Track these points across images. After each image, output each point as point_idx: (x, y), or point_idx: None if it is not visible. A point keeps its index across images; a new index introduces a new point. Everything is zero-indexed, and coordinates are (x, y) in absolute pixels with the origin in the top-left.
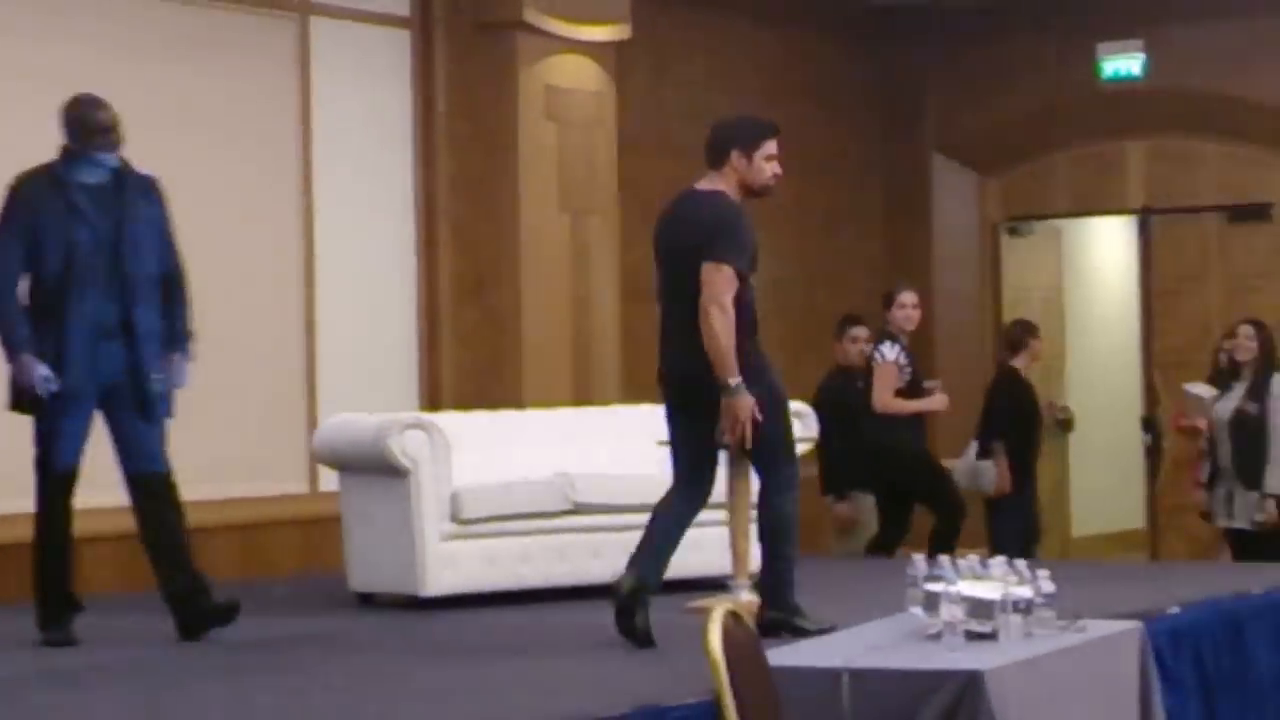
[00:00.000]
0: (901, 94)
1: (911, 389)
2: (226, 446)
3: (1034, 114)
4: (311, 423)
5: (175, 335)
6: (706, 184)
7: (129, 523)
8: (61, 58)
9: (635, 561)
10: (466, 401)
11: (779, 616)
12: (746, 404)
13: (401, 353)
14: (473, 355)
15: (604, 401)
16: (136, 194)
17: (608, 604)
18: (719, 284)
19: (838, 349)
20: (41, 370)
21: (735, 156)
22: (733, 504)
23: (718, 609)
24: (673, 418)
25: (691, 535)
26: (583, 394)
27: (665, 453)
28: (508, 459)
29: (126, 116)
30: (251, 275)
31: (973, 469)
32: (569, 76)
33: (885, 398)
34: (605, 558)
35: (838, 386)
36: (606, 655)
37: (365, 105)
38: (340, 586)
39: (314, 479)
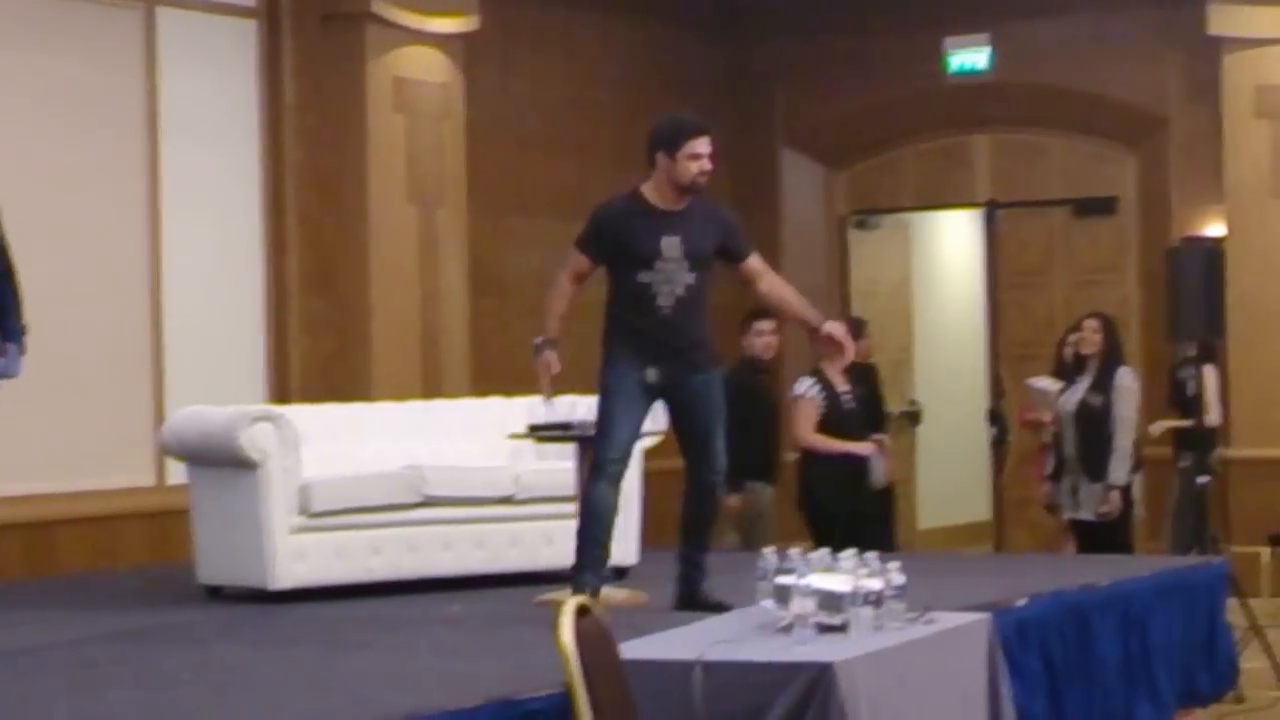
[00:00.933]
0: (751, 86)
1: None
2: (73, 439)
3: (881, 107)
4: (159, 415)
5: (6, 328)
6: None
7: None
8: None
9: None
10: (314, 394)
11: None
12: (541, 361)
13: (249, 344)
14: (321, 347)
15: (453, 394)
16: None
17: (458, 596)
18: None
19: (743, 342)
20: None
21: (660, 157)
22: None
23: (569, 602)
24: None
25: (542, 528)
26: (432, 386)
27: (515, 445)
28: (357, 451)
29: None
30: (97, 266)
31: None
32: (417, 68)
33: (804, 432)
34: (455, 550)
35: (741, 378)
36: (457, 648)
37: (212, 96)
38: (189, 579)
39: (161, 471)
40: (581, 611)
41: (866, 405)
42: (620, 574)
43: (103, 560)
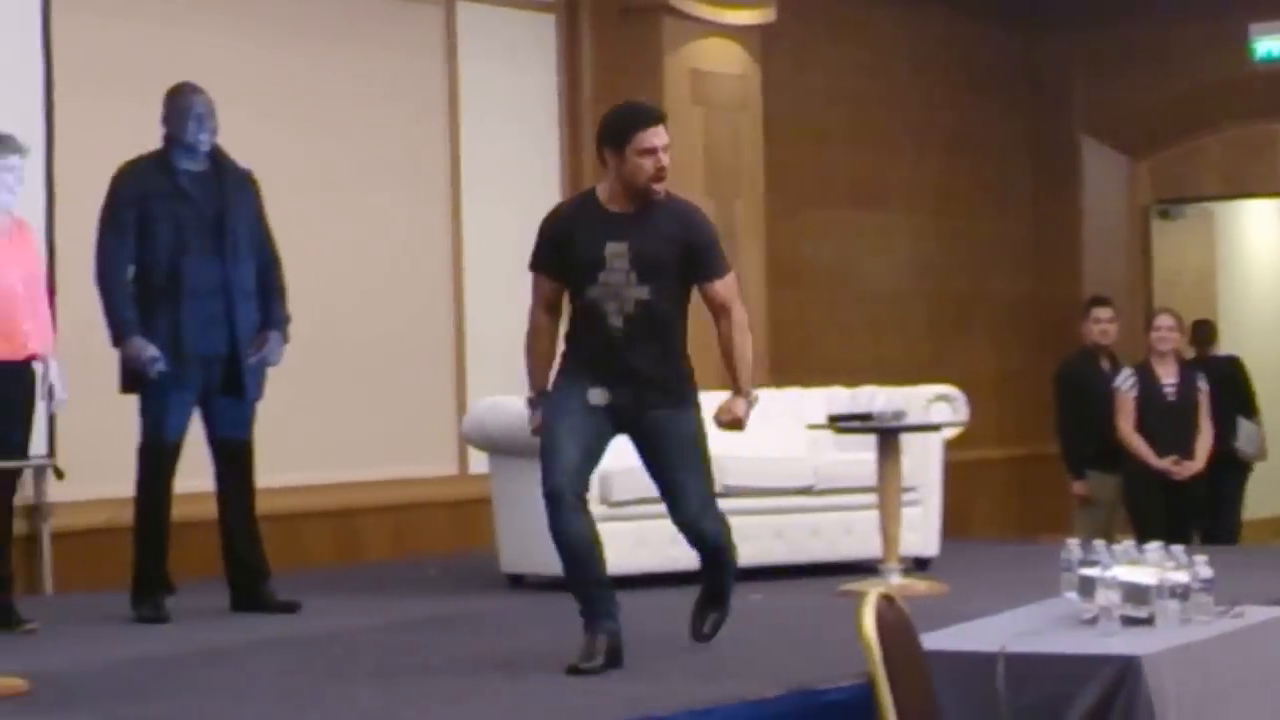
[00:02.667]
0: (1049, 75)
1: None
2: (378, 429)
3: (1184, 95)
4: (461, 405)
5: (272, 316)
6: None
7: None
8: (206, 45)
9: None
10: None
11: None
12: (532, 420)
13: None
14: None
15: (752, 384)
16: (234, 183)
17: (758, 587)
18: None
19: (1083, 329)
20: (150, 351)
21: (608, 155)
22: (882, 488)
23: (872, 592)
24: None
25: (842, 519)
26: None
27: (814, 436)
28: None
29: (272, 103)
30: (401, 260)
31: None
32: (714, 60)
33: (1122, 426)
34: (755, 540)
35: (1079, 366)
36: (757, 638)
37: (512, 89)
38: (491, 568)
39: (464, 461)
40: (884, 602)
41: (1222, 397)
42: (921, 565)
43: (406, 549)
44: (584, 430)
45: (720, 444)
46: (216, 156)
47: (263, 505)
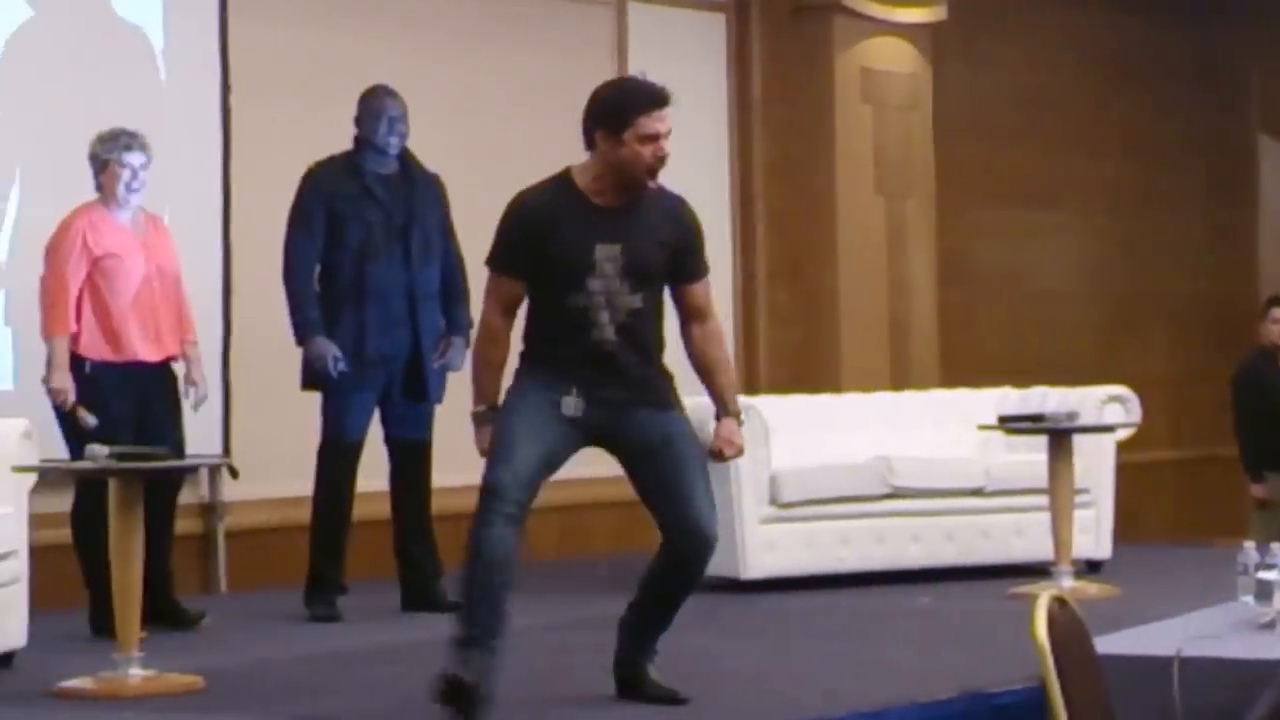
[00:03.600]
0: (1225, 72)
1: None
2: None
3: None
4: None
5: (455, 321)
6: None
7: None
8: (379, 45)
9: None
10: (783, 385)
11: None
12: (477, 435)
13: None
14: (789, 337)
15: (921, 385)
16: (422, 187)
17: (928, 589)
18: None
19: (1261, 329)
20: (333, 351)
21: (600, 138)
22: (1054, 490)
23: (1044, 595)
24: None
25: (1014, 520)
26: (900, 377)
27: (984, 437)
28: (825, 442)
29: (444, 104)
30: None
31: None
32: (885, 59)
33: None
34: (924, 542)
35: (1257, 367)
36: (929, 640)
37: (681, 90)
38: None
39: None
40: (1056, 604)
41: None
42: (1093, 568)
43: (574, 548)
44: (550, 437)
45: (890, 445)
46: (405, 160)
47: (437, 504)
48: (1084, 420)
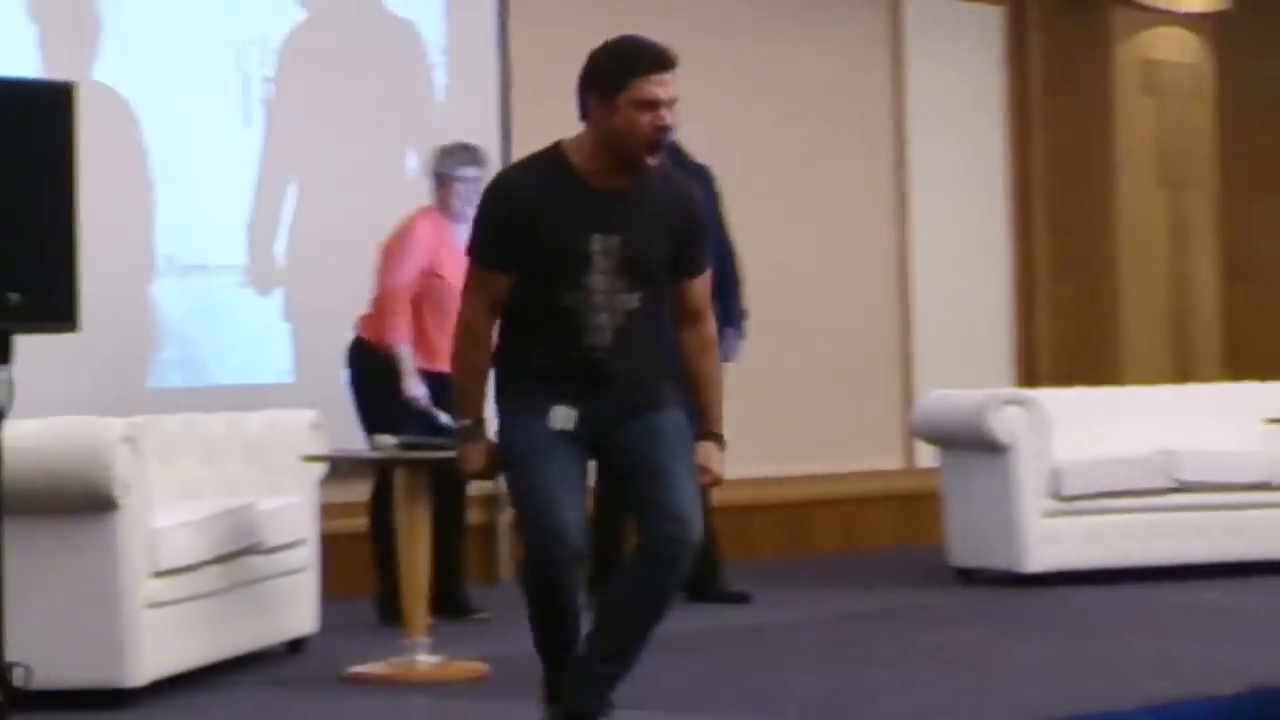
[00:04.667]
0: None
1: None
2: (825, 423)
3: None
4: (907, 399)
5: (729, 312)
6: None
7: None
8: (654, 34)
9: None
10: (1063, 377)
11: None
12: (462, 454)
13: (996, 328)
14: (1068, 331)
15: (1205, 378)
16: (692, 178)
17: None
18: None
19: None
20: None
21: (593, 104)
22: None
23: None
24: None
25: None
26: (1182, 370)
27: (1270, 430)
28: (1107, 435)
29: (716, 99)
30: (846, 252)
31: None
32: (1166, 49)
33: None
34: (1209, 536)
35: None
36: (1215, 635)
37: (958, 83)
38: (940, 561)
39: (910, 454)
40: None
41: None
42: None
43: (854, 542)
44: (571, 473)
45: (1173, 439)
46: (675, 153)
47: (714, 497)
48: None
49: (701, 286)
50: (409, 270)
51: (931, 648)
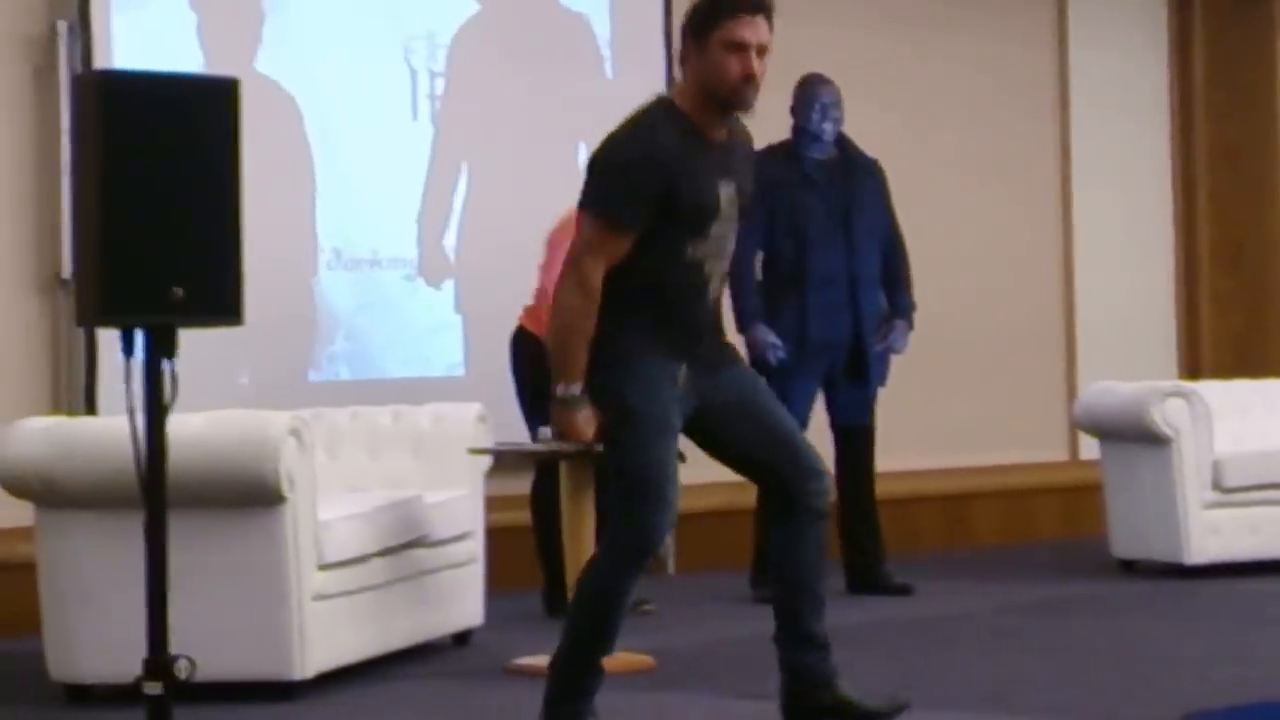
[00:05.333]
0: None
1: None
2: (989, 414)
3: None
4: (1071, 391)
5: (898, 304)
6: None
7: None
8: (823, 37)
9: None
10: (1226, 369)
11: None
12: (572, 423)
13: (1160, 320)
14: (1232, 323)
15: None
16: (861, 172)
17: None
18: (580, 238)
19: None
20: (771, 339)
21: (690, 49)
22: None
23: None
24: None
25: None
26: None
27: None
28: (1269, 427)
29: (882, 91)
30: (1011, 244)
31: None
32: None
33: None
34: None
35: None
36: None
37: (1122, 74)
38: (1102, 553)
39: (1074, 446)
40: None
41: None
42: None
43: (1018, 533)
44: (674, 449)
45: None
46: (845, 146)
47: (880, 489)
48: None
49: None
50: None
51: (1091, 639)
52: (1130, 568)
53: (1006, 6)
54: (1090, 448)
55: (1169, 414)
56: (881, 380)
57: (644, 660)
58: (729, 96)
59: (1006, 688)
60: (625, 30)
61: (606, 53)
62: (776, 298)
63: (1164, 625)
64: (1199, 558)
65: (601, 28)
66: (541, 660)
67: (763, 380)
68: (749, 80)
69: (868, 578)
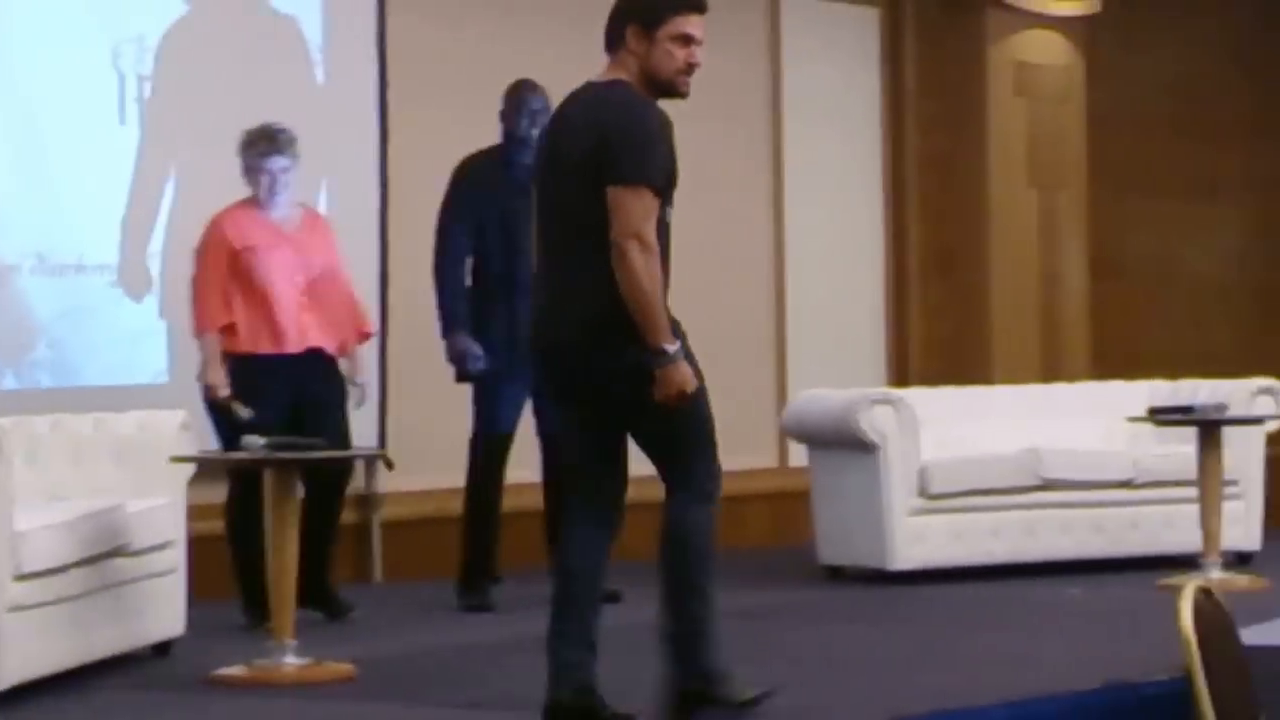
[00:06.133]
0: None
1: None
2: None
3: None
4: (781, 397)
5: None
6: (604, 75)
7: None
8: (534, 46)
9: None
10: (933, 377)
11: (694, 688)
12: (686, 375)
13: (869, 328)
14: (941, 331)
15: (1072, 377)
16: None
17: (1077, 580)
18: (636, 212)
19: None
20: (473, 348)
21: (630, 35)
22: (1203, 482)
23: (1189, 585)
24: (557, 409)
25: (1163, 512)
26: (1051, 370)
27: (1134, 429)
28: (975, 434)
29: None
30: (722, 252)
31: None
32: (1038, 52)
33: None
34: (1074, 534)
35: None
36: (1076, 631)
37: (835, 84)
38: (810, 559)
39: (783, 453)
40: (1202, 595)
41: None
42: (1243, 560)
43: (726, 539)
44: None
45: (1040, 437)
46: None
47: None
48: (1234, 412)
49: None
50: (207, 262)
51: (799, 646)
52: (837, 574)
53: (719, 17)
54: (799, 454)
55: (876, 421)
56: None
57: (345, 670)
58: (671, 81)
59: None
60: (337, 34)
61: (318, 56)
62: (487, 304)
63: (869, 632)
64: (904, 564)
65: (313, 31)
66: (242, 670)
67: None
68: (691, 69)
69: None
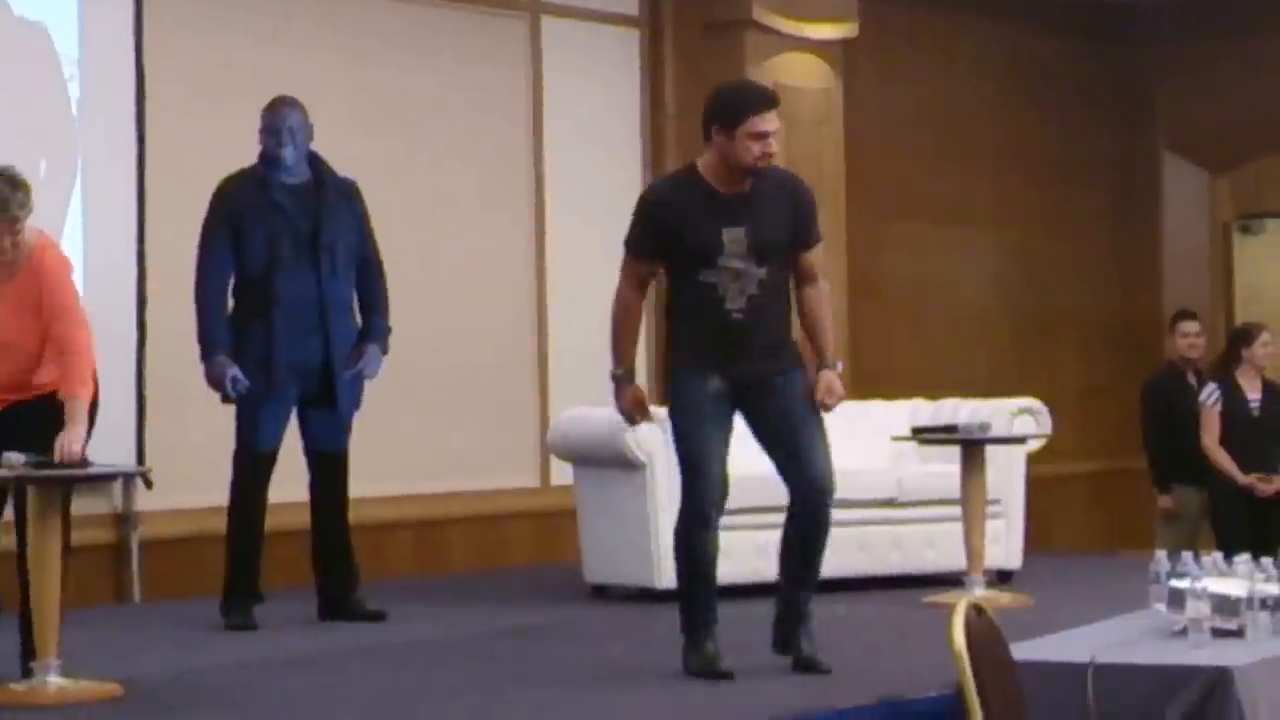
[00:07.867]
0: (1131, 91)
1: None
2: (460, 440)
3: (1266, 110)
4: (544, 417)
5: (373, 327)
6: (699, 159)
7: None
8: (294, 59)
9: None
10: None
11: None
12: (627, 397)
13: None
14: None
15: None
16: (334, 195)
17: (848, 597)
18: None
19: (1169, 343)
20: (230, 370)
21: (715, 134)
22: (966, 500)
23: (962, 602)
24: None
25: (925, 531)
26: None
27: (897, 448)
28: (739, 453)
29: (356, 117)
30: (483, 272)
31: None
32: (797, 74)
33: (1207, 441)
34: (838, 552)
35: (1164, 381)
36: (846, 648)
37: (595, 103)
38: (575, 578)
39: (546, 472)
40: (974, 612)
41: None
42: (1004, 578)
43: (490, 559)
44: (720, 435)
45: None
46: (318, 168)
47: (355, 514)
48: (995, 432)
49: (815, 254)
50: None
51: (566, 664)
52: (602, 592)
53: (479, 29)
54: (563, 473)
55: (642, 439)
56: (355, 404)
57: (111, 689)
58: (752, 168)
59: (483, 716)
60: (91, 48)
61: (73, 70)
62: (245, 320)
63: (636, 650)
64: (671, 582)
65: (67, 45)
66: (4, 690)
67: (801, 387)
68: (767, 159)
69: (340, 604)
